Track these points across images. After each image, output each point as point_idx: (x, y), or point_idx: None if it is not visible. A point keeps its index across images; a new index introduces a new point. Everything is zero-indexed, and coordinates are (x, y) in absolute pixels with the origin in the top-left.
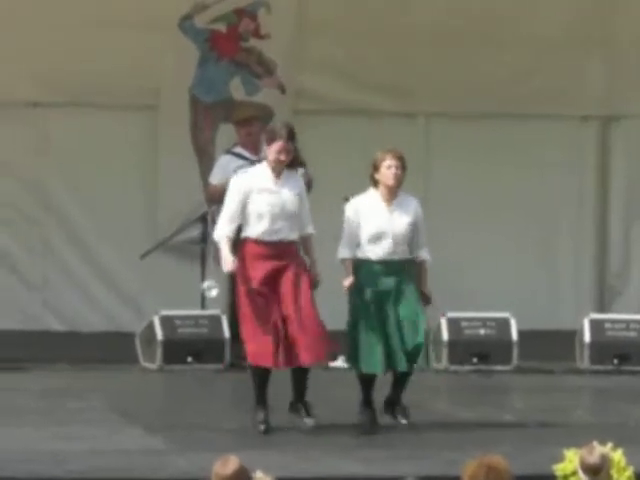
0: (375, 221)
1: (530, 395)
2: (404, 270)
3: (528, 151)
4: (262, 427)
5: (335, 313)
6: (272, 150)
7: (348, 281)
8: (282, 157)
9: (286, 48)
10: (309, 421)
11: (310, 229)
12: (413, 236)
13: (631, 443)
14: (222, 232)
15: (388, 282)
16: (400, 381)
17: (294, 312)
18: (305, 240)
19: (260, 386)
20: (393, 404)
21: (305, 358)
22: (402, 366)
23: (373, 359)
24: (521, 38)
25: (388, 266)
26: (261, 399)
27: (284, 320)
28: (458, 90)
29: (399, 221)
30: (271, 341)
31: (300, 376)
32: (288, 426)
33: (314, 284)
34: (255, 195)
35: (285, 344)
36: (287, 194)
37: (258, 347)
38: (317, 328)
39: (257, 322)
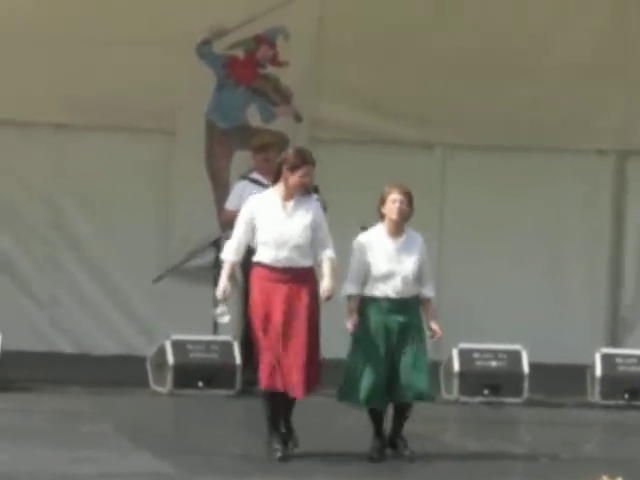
0: (384, 260)
1: (540, 428)
2: (411, 307)
3: (544, 184)
4: (278, 454)
5: (336, 342)
6: (298, 174)
7: (352, 321)
8: (307, 180)
9: (304, 76)
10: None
11: (328, 253)
12: (419, 273)
13: None
14: (227, 256)
15: (395, 319)
16: (400, 415)
17: (292, 342)
18: (323, 263)
19: (272, 413)
20: (393, 438)
21: (299, 393)
22: (404, 398)
23: (375, 394)
24: (540, 71)
25: (396, 304)
26: (273, 426)
27: (283, 348)
28: (476, 121)
29: (407, 261)
30: (273, 366)
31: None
32: (296, 452)
33: (326, 296)
34: (262, 222)
35: (282, 371)
36: (296, 223)
37: (265, 373)
38: (307, 362)
39: (265, 349)
